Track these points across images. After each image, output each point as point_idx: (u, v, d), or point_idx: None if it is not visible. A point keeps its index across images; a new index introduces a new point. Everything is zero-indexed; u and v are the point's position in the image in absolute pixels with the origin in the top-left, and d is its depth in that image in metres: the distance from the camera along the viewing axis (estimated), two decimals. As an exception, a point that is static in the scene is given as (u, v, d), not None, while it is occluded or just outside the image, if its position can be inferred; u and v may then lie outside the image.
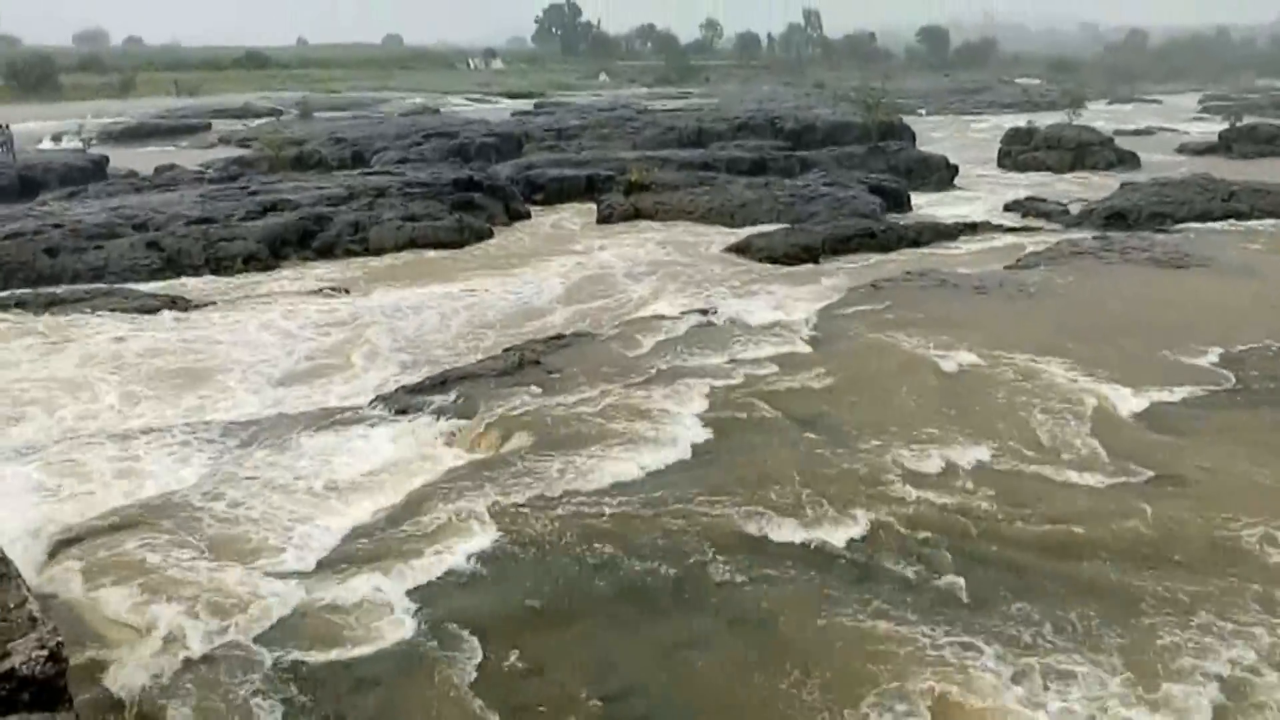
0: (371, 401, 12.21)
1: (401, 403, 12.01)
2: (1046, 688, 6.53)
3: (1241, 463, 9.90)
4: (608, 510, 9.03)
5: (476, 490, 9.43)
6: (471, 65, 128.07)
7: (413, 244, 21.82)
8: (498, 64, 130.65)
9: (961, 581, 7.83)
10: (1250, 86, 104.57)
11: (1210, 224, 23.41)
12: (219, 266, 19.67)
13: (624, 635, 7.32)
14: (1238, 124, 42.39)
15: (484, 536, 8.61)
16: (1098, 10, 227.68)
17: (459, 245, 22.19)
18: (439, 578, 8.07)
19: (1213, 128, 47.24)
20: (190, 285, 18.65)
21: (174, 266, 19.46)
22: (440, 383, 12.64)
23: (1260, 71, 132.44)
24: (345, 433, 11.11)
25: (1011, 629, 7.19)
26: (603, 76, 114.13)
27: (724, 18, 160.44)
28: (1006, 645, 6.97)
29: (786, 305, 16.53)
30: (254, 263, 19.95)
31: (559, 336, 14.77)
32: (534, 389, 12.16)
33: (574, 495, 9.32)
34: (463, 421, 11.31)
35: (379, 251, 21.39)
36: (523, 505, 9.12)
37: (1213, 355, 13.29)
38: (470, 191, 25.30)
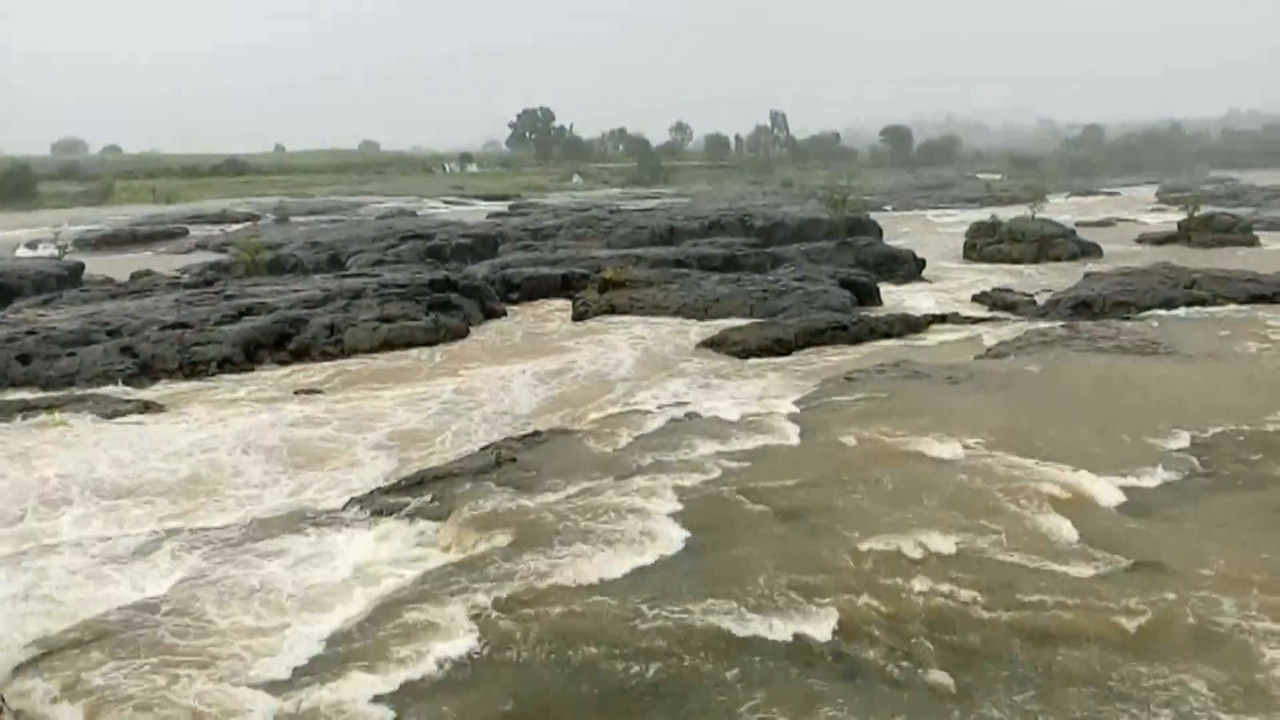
0: (347, 504, 12.09)
1: (377, 504, 11.91)
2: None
3: (1219, 549, 9.92)
4: (587, 611, 8.91)
5: (453, 592, 9.30)
6: (448, 169, 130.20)
7: (388, 345, 21.87)
8: (473, 168, 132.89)
9: (948, 675, 7.75)
10: (1204, 178, 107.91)
11: (1174, 311, 23.91)
12: (193, 371, 19.62)
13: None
14: (1195, 214, 43.54)
15: (461, 639, 8.46)
16: (1054, 108, 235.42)
17: (434, 345, 22.27)
18: (416, 682, 7.91)
19: (1171, 218, 48.53)
20: (164, 390, 18.55)
21: (148, 371, 19.39)
22: (416, 483, 12.57)
23: (1213, 163, 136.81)
24: (320, 536, 10.97)
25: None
26: (576, 178, 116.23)
27: (693, 120, 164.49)
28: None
29: (762, 398, 16.63)
30: (228, 366, 19.92)
31: (536, 433, 14.75)
32: (511, 488, 12.10)
33: (552, 596, 9.20)
34: (439, 522, 11.21)
35: (354, 353, 21.41)
36: (500, 607, 8.99)
37: (1184, 440, 13.43)
38: (446, 292, 25.49)
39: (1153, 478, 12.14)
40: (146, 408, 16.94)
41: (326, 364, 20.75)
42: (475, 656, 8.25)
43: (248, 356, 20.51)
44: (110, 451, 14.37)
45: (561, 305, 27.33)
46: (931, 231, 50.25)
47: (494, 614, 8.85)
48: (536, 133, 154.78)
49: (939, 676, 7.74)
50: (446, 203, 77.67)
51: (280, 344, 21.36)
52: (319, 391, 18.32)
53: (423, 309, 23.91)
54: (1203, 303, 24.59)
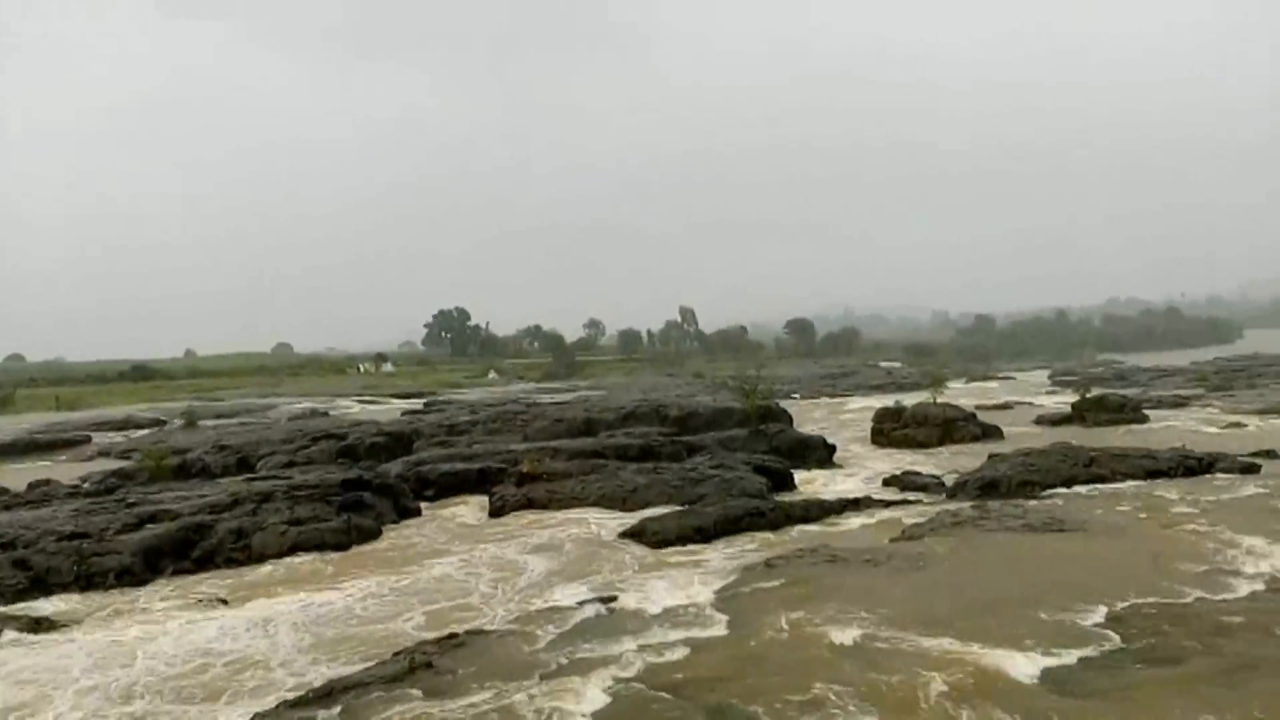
0: None
1: (284, 719, 11.27)
2: None
3: (1141, 722, 9.98)
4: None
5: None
6: (362, 369, 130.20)
7: (298, 548, 21.17)
8: (389, 367, 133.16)
9: None
10: (1092, 361, 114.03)
11: (1076, 489, 24.69)
12: (90, 583, 18.65)
13: None
14: (1087, 395, 45.68)
15: None
16: (946, 300, 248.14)
17: (346, 547, 21.65)
18: None
19: (1064, 399, 50.82)
20: (56, 605, 17.56)
21: (41, 586, 18.37)
22: (325, 694, 11.97)
23: (1099, 347, 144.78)
24: (222, 756, 10.29)
25: None
26: (492, 374, 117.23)
27: (606, 317, 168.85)
28: None
29: (684, 588, 16.48)
30: (128, 577, 19.01)
31: (451, 635, 14.26)
32: (425, 694, 11.62)
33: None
34: (351, 735, 10.64)
35: (263, 558, 20.66)
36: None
37: (1098, 615, 13.66)
38: (359, 491, 25.03)
39: (1072, 654, 12.25)
40: (37, 625, 15.97)
41: (232, 571, 19.96)
42: None
43: (149, 566, 19.63)
44: (-7, 673, 13.42)
45: (478, 501, 27.00)
46: (839, 418, 51.57)
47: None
48: (452, 331, 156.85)
49: None
50: (360, 401, 77.31)
51: (183, 551, 20.54)
52: (223, 601, 17.55)
53: (334, 510, 23.37)
54: (1102, 480, 25.47)
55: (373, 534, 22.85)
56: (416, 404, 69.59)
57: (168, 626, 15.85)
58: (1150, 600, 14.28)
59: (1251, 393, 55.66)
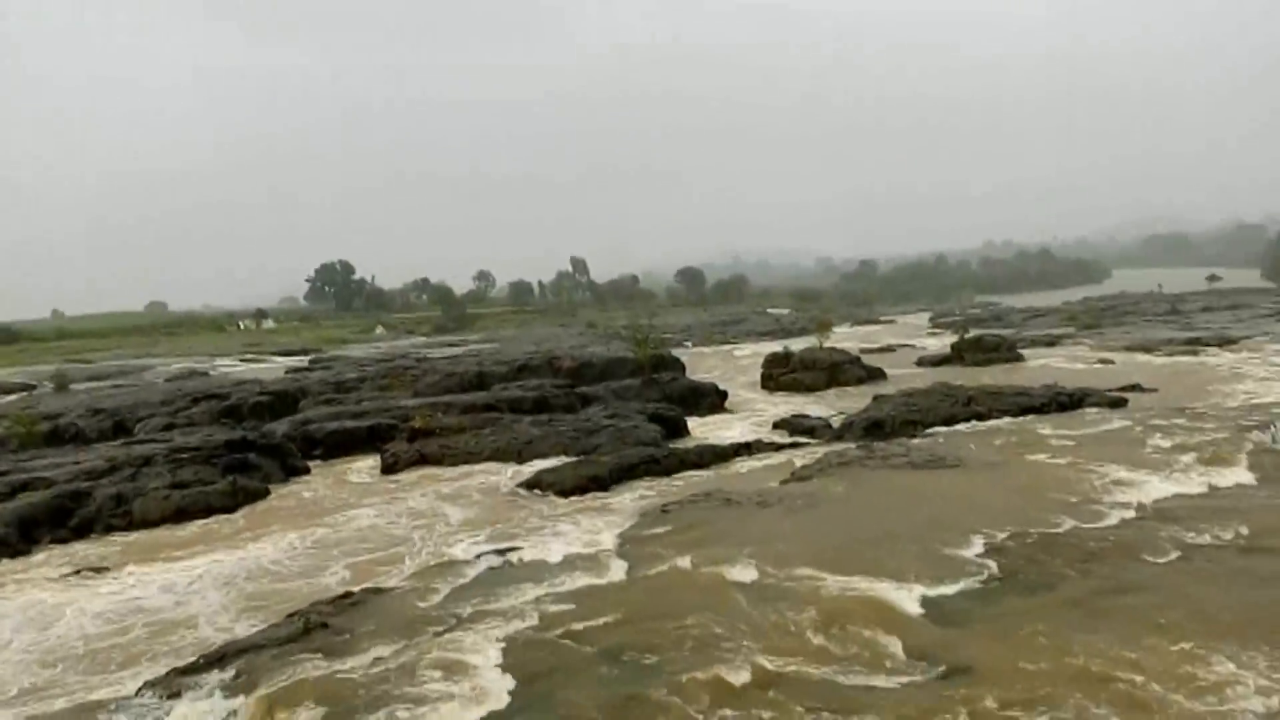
0: (139, 689, 11.10)
1: (173, 686, 10.98)
2: None
3: (1020, 650, 10.48)
4: (412, 777, 8.43)
5: (264, 774, 8.61)
6: (242, 326, 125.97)
7: (182, 513, 20.55)
8: (270, 324, 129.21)
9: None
10: (970, 303, 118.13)
11: (956, 427, 25.65)
12: (-43, 557, 17.77)
13: None
14: (965, 336, 47.35)
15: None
16: (830, 246, 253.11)
17: (233, 509, 21.10)
18: None
19: (944, 341, 52.61)
20: (-81, 581, 16.68)
21: (-96, 561, 17.44)
22: (217, 659, 11.69)
23: (976, 290, 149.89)
24: (109, 728, 9.99)
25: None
26: (379, 329, 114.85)
27: (496, 268, 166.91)
28: None
29: (581, 537, 16.58)
30: (4, 548, 18.18)
31: (347, 594, 14.07)
32: (322, 655, 11.43)
33: (374, 765, 8.67)
34: (244, 699, 10.42)
35: (145, 524, 20.00)
36: (318, 784, 8.38)
37: (978, 547, 14.25)
38: (244, 452, 24.37)
39: (954, 585, 12.77)
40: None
41: (114, 538, 19.28)
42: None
43: (23, 536, 18.79)
44: None
45: (370, 459, 26.58)
46: (730, 364, 52.34)
47: (310, 793, 8.23)
48: (336, 286, 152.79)
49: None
50: (242, 360, 74.90)
51: (61, 520, 19.71)
52: (105, 569, 16.93)
53: (219, 472, 22.72)
54: (980, 417, 26.50)
55: (260, 495, 22.31)
56: (301, 361, 67.77)
57: (48, 596, 15.24)
58: (1026, 531, 14.94)
59: (1119, 330, 58.57)
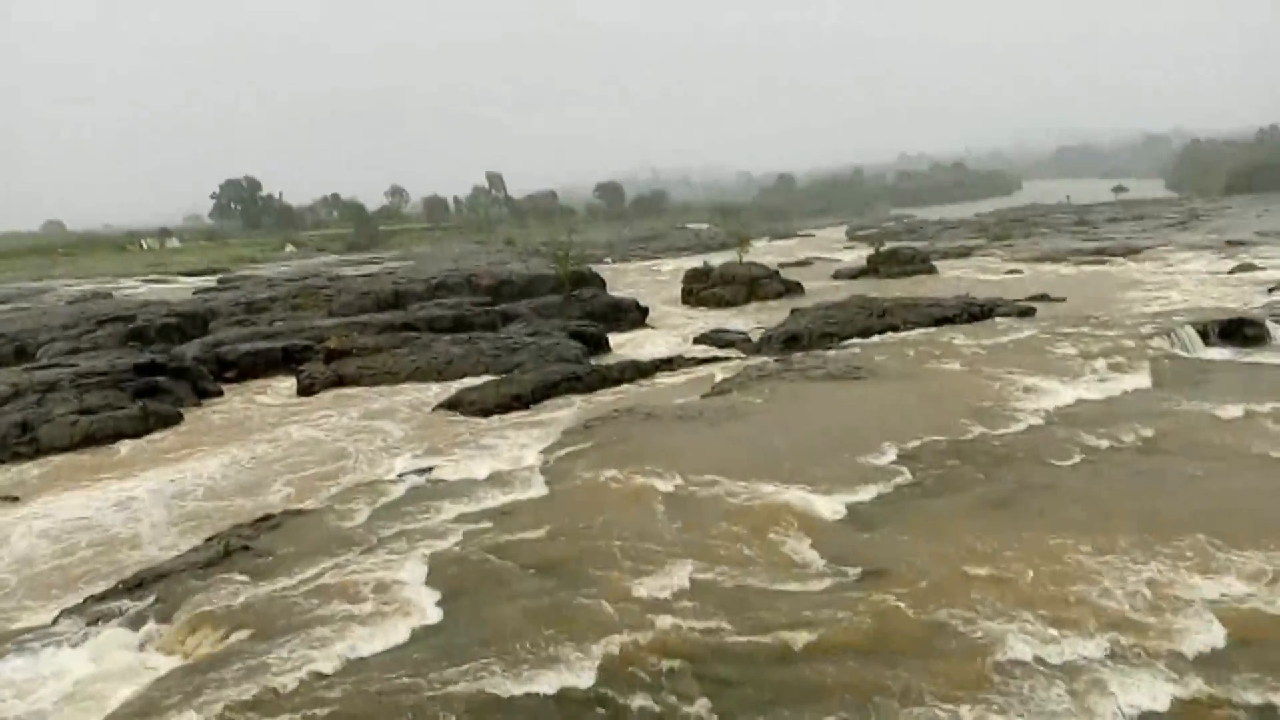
0: (57, 617, 10.88)
1: (91, 613, 10.80)
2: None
3: (932, 550, 10.87)
4: (340, 695, 8.45)
5: (190, 697, 8.53)
6: (145, 246, 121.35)
7: (92, 439, 20.01)
8: (174, 243, 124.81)
9: (706, 704, 7.97)
10: (886, 216, 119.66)
11: (871, 338, 26.13)
12: None
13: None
14: (881, 249, 48.04)
15: (204, 748, 7.79)
16: (749, 160, 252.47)
17: (144, 434, 20.60)
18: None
19: (861, 254, 53.26)
20: None
21: None
22: (135, 585, 11.52)
23: (892, 203, 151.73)
24: (28, 657, 9.79)
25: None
26: (289, 247, 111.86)
27: (409, 184, 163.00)
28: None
29: (505, 454, 16.59)
30: (-105, 481, 17.51)
31: (267, 517, 13.91)
32: (244, 578, 11.33)
33: (302, 687, 8.66)
34: (165, 625, 10.30)
35: (53, 451, 19.42)
36: (245, 706, 8.35)
37: (891, 454, 14.65)
38: (153, 376, 23.71)
39: (869, 490, 13.14)
40: None
41: (20, 466, 18.69)
42: (221, 764, 7.62)
43: (-81, 467, 18.11)
44: None
45: (285, 380, 26.09)
46: (651, 280, 52.36)
47: (239, 714, 8.20)
48: (243, 203, 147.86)
49: (700, 708, 7.95)
50: (146, 281, 72.39)
51: (-41, 449, 19.01)
52: (13, 498, 16.44)
53: (128, 396, 22.08)
54: (895, 329, 27.04)
55: (173, 420, 21.81)
56: (209, 282, 65.80)
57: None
58: (938, 438, 15.40)
59: (1028, 241, 59.99)
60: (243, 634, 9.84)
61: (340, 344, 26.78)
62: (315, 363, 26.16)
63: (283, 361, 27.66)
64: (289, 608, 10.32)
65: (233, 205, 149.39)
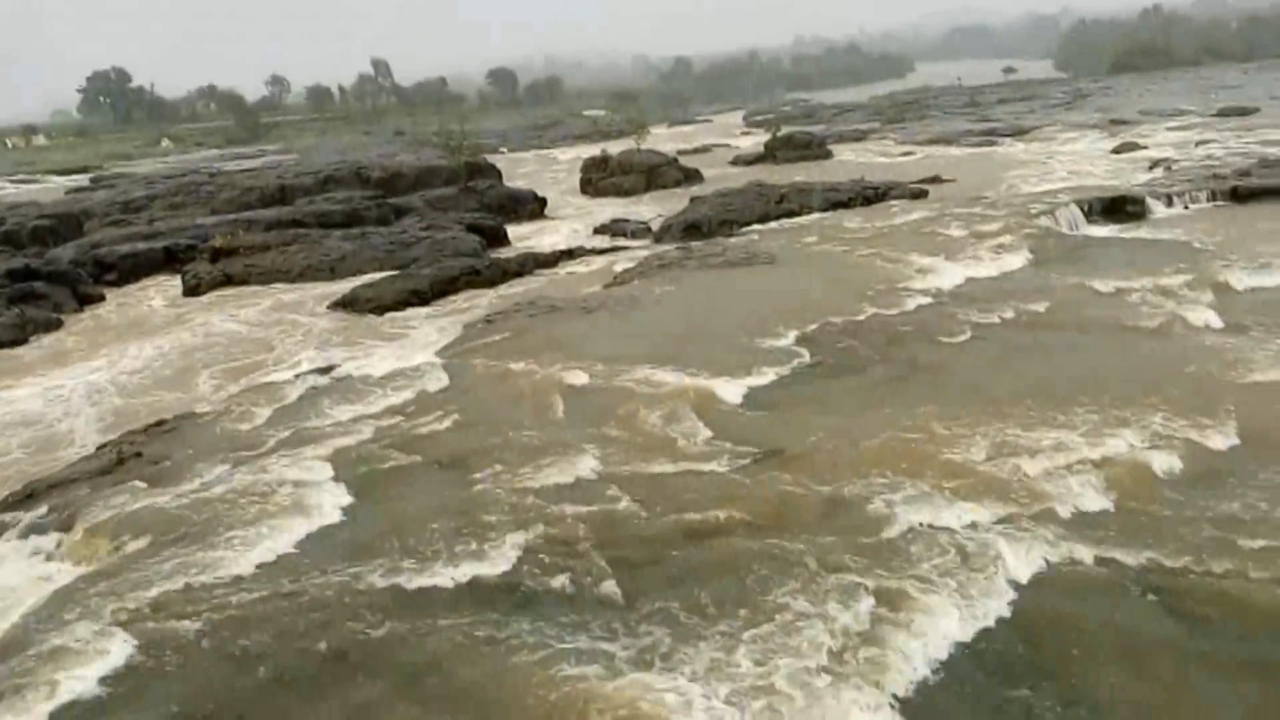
0: (-56, 534, 10.51)
1: (-18, 528, 10.45)
2: (688, 663, 6.98)
3: (829, 429, 11.22)
4: (251, 596, 8.43)
5: (95, 606, 8.40)
6: (10, 145, 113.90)
7: (-38, 348, 19.06)
8: (40, 140, 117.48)
9: (616, 587, 8.18)
10: (783, 100, 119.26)
11: (769, 224, 26.33)
12: None
13: (291, 722, 6.87)
14: (778, 134, 48.00)
15: (115, 654, 7.68)
16: (645, 43, 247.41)
17: (23, 342, 19.72)
18: (64, 710, 7.10)
19: (758, 140, 53.17)
20: None
21: None
22: (26, 496, 11.20)
23: (788, 87, 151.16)
24: (-85, 577, 9.47)
25: (660, 618, 7.62)
26: (166, 143, 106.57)
27: (290, 73, 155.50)
28: (661, 632, 7.38)
29: (405, 351, 16.40)
30: None
31: (160, 422, 13.56)
32: (141, 484, 11.10)
33: (210, 589, 8.60)
34: (62, 534, 10.06)
35: (-80, 363, 18.47)
36: (153, 613, 8.26)
37: (790, 338, 14.95)
38: (28, 281, 22.57)
39: (769, 374, 13.42)
40: None
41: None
42: (134, 670, 7.54)
43: None
44: None
45: (170, 282, 25.13)
46: (548, 170, 51.53)
47: (147, 622, 8.11)
48: (113, 97, 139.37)
49: (609, 590, 8.16)
50: (13, 182, 68.25)
51: None
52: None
53: (2, 304, 21.02)
54: (793, 214, 27.27)
55: (52, 325, 20.95)
56: (82, 181, 62.47)
57: None
58: (835, 320, 15.74)
59: (921, 124, 60.64)
60: (144, 540, 9.68)
61: (226, 243, 25.82)
62: (201, 262, 25.21)
63: (165, 262, 26.60)
64: (191, 512, 10.16)
65: (102, 99, 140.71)
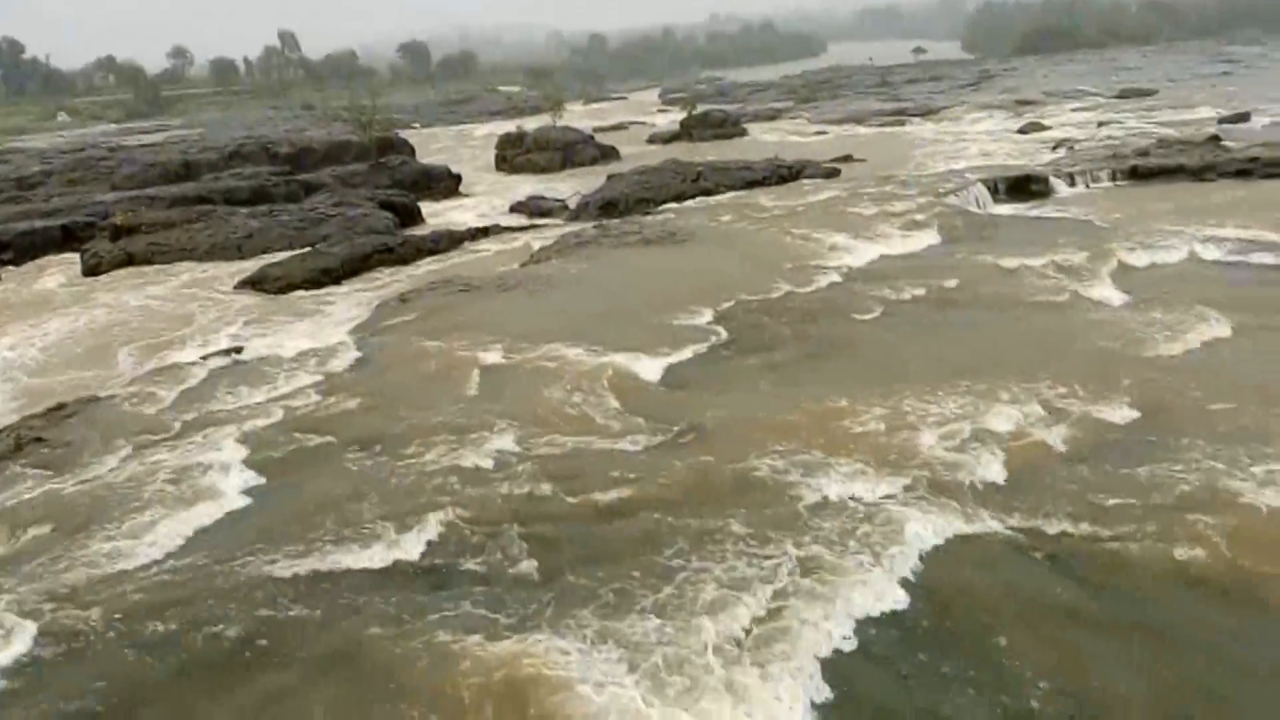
0: None
1: None
2: (604, 640, 7.03)
3: (745, 405, 11.38)
4: (158, 582, 8.23)
5: (-10, 598, 8.11)
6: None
7: None
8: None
9: (533, 564, 8.19)
10: (698, 78, 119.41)
11: (686, 203, 26.43)
12: None
13: (201, 713, 6.73)
14: (694, 113, 48.08)
15: (15, 645, 7.44)
16: (560, 19, 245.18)
17: (-91, 325, 18.80)
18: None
19: (675, 117, 53.16)
20: None
21: None
22: (-85, 487, 10.69)
23: (704, 65, 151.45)
24: None
25: (578, 593, 7.66)
26: (61, 116, 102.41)
27: (193, 44, 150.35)
28: (578, 607, 7.42)
29: (316, 330, 16.11)
30: None
31: (60, 406, 13.08)
32: (41, 470, 10.73)
33: (116, 577, 8.36)
34: (-46, 525, 9.66)
35: None
36: (57, 600, 8.01)
37: (706, 316, 15.08)
38: (-88, 261, 21.52)
39: (686, 351, 13.54)
40: None
41: None
42: (38, 659, 7.32)
43: None
44: None
45: (69, 261, 24.18)
46: (463, 146, 50.87)
47: (51, 612, 7.85)
48: (5, 68, 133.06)
49: (526, 568, 8.16)
50: (-107, 156, 64.74)
51: None
52: None
53: (-116, 284, 20.02)
54: (708, 193, 27.42)
55: (-60, 308, 19.94)
56: (-29, 155, 59.48)
57: None
58: (750, 298, 15.93)
59: (834, 103, 61.37)
60: (45, 528, 9.39)
61: (128, 220, 24.93)
62: (101, 240, 24.30)
63: (63, 240, 25.57)
64: (94, 498, 9.86)
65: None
